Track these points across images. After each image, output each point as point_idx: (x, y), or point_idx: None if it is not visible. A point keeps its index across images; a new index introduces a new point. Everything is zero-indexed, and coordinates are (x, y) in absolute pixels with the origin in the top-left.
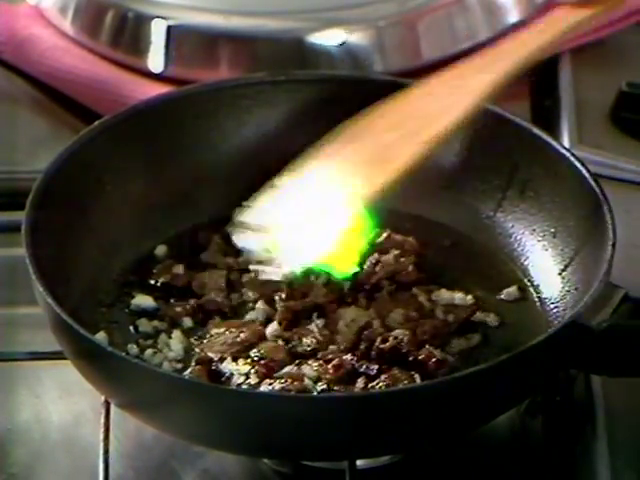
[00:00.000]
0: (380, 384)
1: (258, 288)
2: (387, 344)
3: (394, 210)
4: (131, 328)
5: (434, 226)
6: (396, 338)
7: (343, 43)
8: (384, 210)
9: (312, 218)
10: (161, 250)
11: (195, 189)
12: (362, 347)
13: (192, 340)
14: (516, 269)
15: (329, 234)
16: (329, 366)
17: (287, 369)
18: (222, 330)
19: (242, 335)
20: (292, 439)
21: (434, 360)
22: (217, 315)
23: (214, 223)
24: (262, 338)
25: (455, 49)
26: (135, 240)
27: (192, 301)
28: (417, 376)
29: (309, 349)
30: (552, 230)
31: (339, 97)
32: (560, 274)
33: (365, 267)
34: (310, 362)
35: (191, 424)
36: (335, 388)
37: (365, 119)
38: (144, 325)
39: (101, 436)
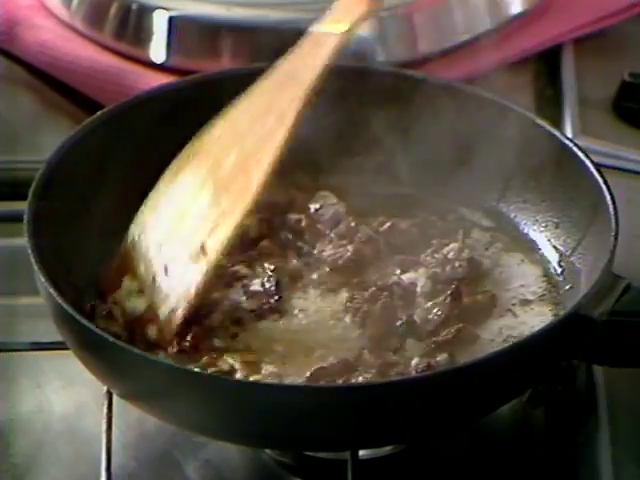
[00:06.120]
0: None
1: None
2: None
3: (396, 197)
4: None
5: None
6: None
7: None
8: (387, 197)
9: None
10: None
11: None
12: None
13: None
14: None
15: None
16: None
17: None
18: None
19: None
20: (294, 429)
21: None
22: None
23: None
24: None
25: (457, 40)
26: None
27: None
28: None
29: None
30: (555, 220)
31: (340, 87)
32: (562, 264)
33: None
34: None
35: (193, 414)
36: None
37: (206, 136)
38: None
39: (103, 426)
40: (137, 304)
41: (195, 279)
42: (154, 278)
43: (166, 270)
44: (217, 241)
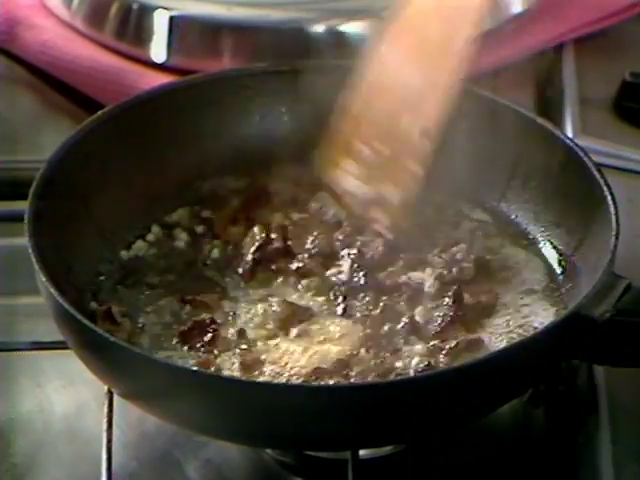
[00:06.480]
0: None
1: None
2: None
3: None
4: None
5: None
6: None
7: (345, 33)
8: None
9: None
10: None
11: (197, 179)
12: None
13: None
14: None
15: None
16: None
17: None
18: None
19: None
20: (294, 429)
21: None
22: None
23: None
24: None
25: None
26: (137, 230)
27: None
28: (417, 361)
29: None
30: (555, 220)
31: (341, 87)
32: (563, 264)
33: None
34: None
35: (194, 414)
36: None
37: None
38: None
39: (104, 426)
40: (363, 188)
41: (417, 154)
42: (374, 158)
43: (386, 149)
44: (432, 111)
